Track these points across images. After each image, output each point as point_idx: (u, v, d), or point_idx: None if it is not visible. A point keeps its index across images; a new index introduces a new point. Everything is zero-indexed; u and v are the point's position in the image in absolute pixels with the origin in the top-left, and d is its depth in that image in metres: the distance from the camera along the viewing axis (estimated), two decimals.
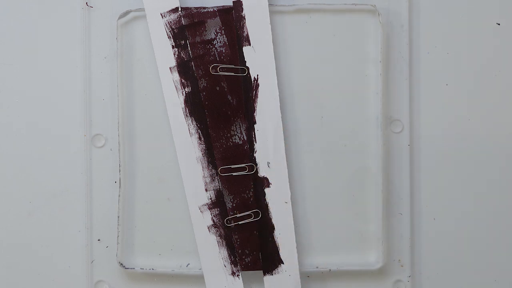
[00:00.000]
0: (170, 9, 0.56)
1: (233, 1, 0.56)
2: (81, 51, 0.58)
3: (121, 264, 0.57)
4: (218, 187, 0.57)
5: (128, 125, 0.58)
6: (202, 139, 0.57)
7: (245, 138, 0.57)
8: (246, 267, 0.57)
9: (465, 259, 0.59)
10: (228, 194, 0.57)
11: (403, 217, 0.58)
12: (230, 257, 0.57)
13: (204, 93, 0.56)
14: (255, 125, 0.57)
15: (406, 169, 0.58)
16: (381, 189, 0.57)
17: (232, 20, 0.57)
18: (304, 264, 0.58)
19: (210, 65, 0.56)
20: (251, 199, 0.57)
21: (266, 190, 0.57)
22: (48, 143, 0.59)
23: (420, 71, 0.59)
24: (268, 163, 0.57)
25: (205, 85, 0.56)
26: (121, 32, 0.58)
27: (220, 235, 0.57)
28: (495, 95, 0.59)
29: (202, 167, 0.57)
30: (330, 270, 0.57)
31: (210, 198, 0.57)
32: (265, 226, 0.57)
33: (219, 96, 0.56)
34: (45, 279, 0.59)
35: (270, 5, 0.56)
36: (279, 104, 0.56)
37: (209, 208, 0.57)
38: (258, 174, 0.57)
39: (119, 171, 0.57)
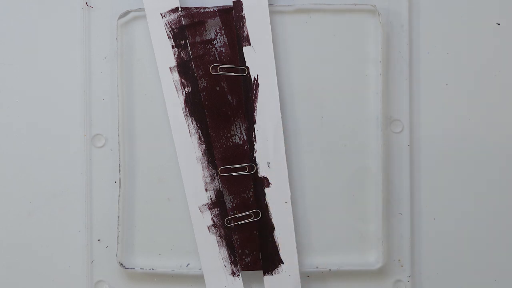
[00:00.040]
0: (170, 9, 0.56)
1: (233, 1, 0.56)
2: (81, 51, 0.58)
3: (121, 264, 0.57)
4: (218, 187, 0.57)
5: (128, 125, 0.58)
6: (202, 139, 0.57)
7: (245, 138, 0.57)
8: (246, 267, 0.57)
9: (465, 259, 0.59)
10: (228, 194, 0.57)
11: (403, 217, 0.58)
12: (230, 257, 0.57)
13: (204, 93, 0.56)
14: (255, 125, 0.57)
15: (406, 169, 0.58)
16: (381, 189, 0.57)
17: (232, 20, 0.57)
18: (304, 264, 0.58)
19: (210, 65, 0.56)
20: (251, 199, 0.57)
21: (266, 190, 0.57)
22: (48, 143, 0.59)
23: (420, 71, 0.59)
24: (268, 163, 0.57)
25: (205, 85, 0.56)
26: (121, 32, 0.58)
27: (220, 235, 0.57)
28: (495, 95, 0.59)
29: (202, 167, 0.57)
30: (330, 270, 0.57)
31: (210, 198, 0.57)
32: (265, 226, 0.57)
33: (219, 96, 0.56)
34: (45, 279, 0.59)
35: (270, 5, 0.56)
36: (279, 104, 0.56)
37: (209, 208, 0.57)
38: (258, 174, 0.57)
39: (119, 171, 0.57)
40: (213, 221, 0.57)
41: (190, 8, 0.57)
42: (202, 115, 0.57)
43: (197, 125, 0.57)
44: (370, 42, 0.58)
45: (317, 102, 0.58)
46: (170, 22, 0.56)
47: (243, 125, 0.57)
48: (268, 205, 0.57)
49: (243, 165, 0.57)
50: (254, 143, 0.57)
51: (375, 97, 0.58)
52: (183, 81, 0.57)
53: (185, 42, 0.57)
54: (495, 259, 0.59)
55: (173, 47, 0.57)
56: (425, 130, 0.59)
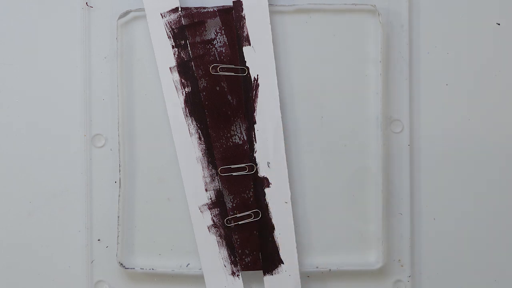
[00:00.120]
0: (170, 9, 0.56)
1: (233, 1, 0.56)
2: (81, 51, 0.58)
3: (121, 264, 0.57)
4: (218, 187, 0.57)
5: (128, 125, 0.58)
6: (202, 139, 0.57)
7: (245, 138, 0.57)
8: (246, 267, 0.57)
9: (465, 259, 0.59)
10: (228, 194, 0.57)
11: (403, 217, 0.58)
12: (230, 257, 0.57)
13: (204, 93, 0.56)
14: (255, 125, 0.57)
15: (406, 169, 0.58)
16: (381, 189, 0.57)
17: (232, 20, 0.57)
18: (304, 264, 0.58)
19: (210, 65, 0.56)
20: (251, 199, 0.57)
21: (266, 190, 0.57)
22: (48, 143, 0.59)
23: (420, 71, 0.59)
24: (268, 163, 0.57)
25: (205, 85, 0.56)
26: (121, 32, 0.58)
27: (220, 235, 0.57)
28: (495, 95, 0.59)
29: (202, 167, 0.57)
30: (330, 270, 0.57)
31: (210, 198, 0.57)
32: (265, 226, 0.57)
33: (219, 96, 0.56)
34: (45, 279, 0.59)
35: (270, 5, 0.56)
36: (279, 104, 0.56)
37: (209, 208, 0.57)
38: (258, 174, 0.57)
39: (119, 171, 0.57)
40: (213, 221, 0.57)
41: (190, 8, 0.57)
42: (202, 115, 0.57)
43: (197, 125, 0.57)
44: (370, 42, 0.58)
45: (317, 102, 0.58)
46: (170, 22, 0.56)
47: (243, 125, 0.57)
48: (268, 205, 0.57)
49: (243, 165, 0.57)
50: (254, 143, 0.57)
51: (375, 97, 0.58)
52: (183, 81, 0.57)
53: (185, 42, 0.57)
54: (495, 259, 0.59)
55: (173, 47, 0.57)
56: (425, 130, 0.59)
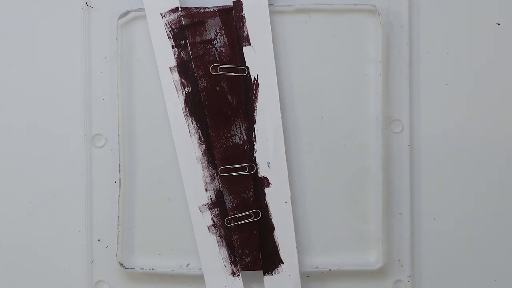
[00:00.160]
0: (170, 9, 0.56)
1: (233, 1, 0.56)
2: (81, 51, 0.58)
3: (121, 264, 0.57)
4: (218, 187, 0.57)
5: (128, 125, 0.58)
6: (202, 139, 0.57)
7: (245, 138, 0.57)
8: (246, 267, 0.57)
9: (465, 259, 0.59)
10: (228, 194, 0.57)
11: (403, 217, 0.58)
12: (230, 257, 0.57)
13: (204, 93, 0.56)
14: (255, 125, 0.57)
15: (406, 169, 0.58)
16: (381, 189, 0.57)
17: (232, 20, 0.57)
18: (304, 264, 0.58)
19: (210, 65, 0.56)
20: (251, 199, 0.57)
21: (266, 190, 0.57)
22: (48, 143, 0.59)
23: (420, 71, 0.59)
24: (268, 163, 0.57)
25: (205, 85, 0.56)
26: (121, 32, 0.58)
27: (220, 235, 0.57)
28: (495, 95, 0.59)
29: (202, 167, 0.57)
30: (330, 270, 0.57)
31: (210, 198, 0.57)
32: (265, 226, 0.57)
33: (219, 96, 0.56)
34: (45, 279, 0.59)
35: (270, 5, 0.56)
36: (279, 104, 0.56)
37: (209, 208, 0.57)
38: (258, 174, 0.57)
39: (119, 171, 0.57)
40: (213, 221, 0.57)
41: (190, 8, 0.57)
42: (202, 115, 0.57)
43: (197, 125, 0.57)
44: (370, 42, 0.58)
45: (317, 102, 0.58)
46: (170, 22, 0.56)
47: (243, 125, 0.57)
48: (268, 205, 0.57)
49: (243, 165, 0.57)
50: (254, 143, 0.57)
51: (375, 97, 0.58)
52: (183, 81, 0.57)
53: (185, 42, 0.57)
54: (495, 259, 0.59)
55: (173, 47, 0.57)
56: (425, 130, 0.59)
